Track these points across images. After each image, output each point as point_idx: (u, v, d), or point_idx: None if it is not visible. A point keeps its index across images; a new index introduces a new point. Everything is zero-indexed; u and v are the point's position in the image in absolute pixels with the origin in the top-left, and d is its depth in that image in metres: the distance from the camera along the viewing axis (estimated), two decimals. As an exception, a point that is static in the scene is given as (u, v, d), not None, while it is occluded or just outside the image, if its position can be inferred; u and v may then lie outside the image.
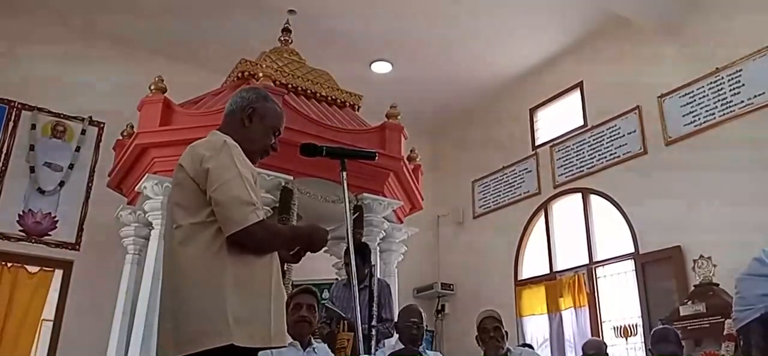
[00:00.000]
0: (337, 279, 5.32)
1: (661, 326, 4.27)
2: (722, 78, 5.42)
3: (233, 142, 1.89)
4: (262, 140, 2.04)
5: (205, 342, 1.66)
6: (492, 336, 3.66)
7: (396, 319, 4.08)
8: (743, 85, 5.25)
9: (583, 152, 6.58)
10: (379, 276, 4.28)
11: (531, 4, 6.11)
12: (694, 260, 5.10)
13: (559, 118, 7.09)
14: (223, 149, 1.84)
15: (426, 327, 3.92)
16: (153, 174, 4.43)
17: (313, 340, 3.34)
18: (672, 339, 3.97)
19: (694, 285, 5.03)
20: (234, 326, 1.67)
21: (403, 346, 3.68)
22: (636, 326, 5.55)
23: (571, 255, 6.53)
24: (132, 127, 5.11)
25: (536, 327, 6.51)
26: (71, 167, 6.01)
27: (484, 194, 7.80)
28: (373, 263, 4.10)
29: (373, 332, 3.71)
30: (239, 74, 5.22)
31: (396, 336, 3.93)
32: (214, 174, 1.78)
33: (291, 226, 1.96)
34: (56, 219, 5.81)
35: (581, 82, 6.82)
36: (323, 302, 3.85)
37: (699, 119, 5.53)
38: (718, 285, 4.85)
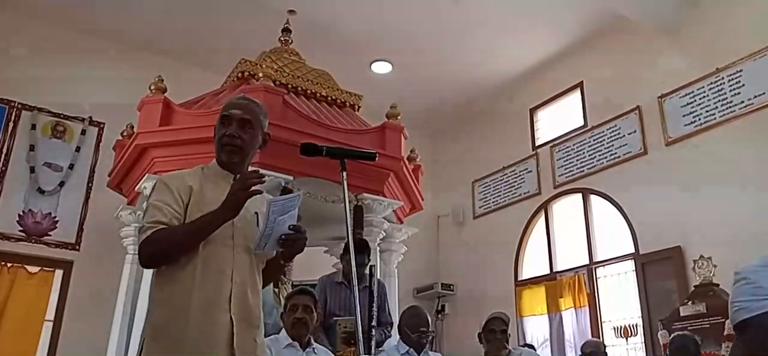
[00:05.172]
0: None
1: (680, 334, 4.17)
2: (722, 78, 5.42)
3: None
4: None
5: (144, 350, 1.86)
6: (498, 338, 3.75)
7: (393, 321, 4.07)
8: (743, 85, 5.25)
9: (584, 153, 6.58)
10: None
11: (531, 4, 6.10)
12: (694, 261, 5.09)
13: (559, 118, 7.09)
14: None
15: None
16: (153, 174, 4.40)
17: (312, 341, 3.34)
18: (691, 349, 3.93)
19: (695, 286, 5.03)
20: (149, 340, 1.81)
21: (405, 349, 3.68)
22: (636, 326, 5.55)
23: (571, 255, 6.53)
24: (132, 127, 5.10)
25: (536, 327, 6.51)
26: (71, 167, 6.00)
27: (484, 194, 7.79)
28: (372, 262, 4.09)
29: (373, 333, 3.70)
30: (239, 74, 5.21)
31: (396, 336, 3.92)
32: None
33: (191, 221, 1.85)
34: (56, 219, 5.81)
35: (581, 82, 6.82)
36: None
37: (699, 119, 5.52)
38: (718, 285, 4.84)
